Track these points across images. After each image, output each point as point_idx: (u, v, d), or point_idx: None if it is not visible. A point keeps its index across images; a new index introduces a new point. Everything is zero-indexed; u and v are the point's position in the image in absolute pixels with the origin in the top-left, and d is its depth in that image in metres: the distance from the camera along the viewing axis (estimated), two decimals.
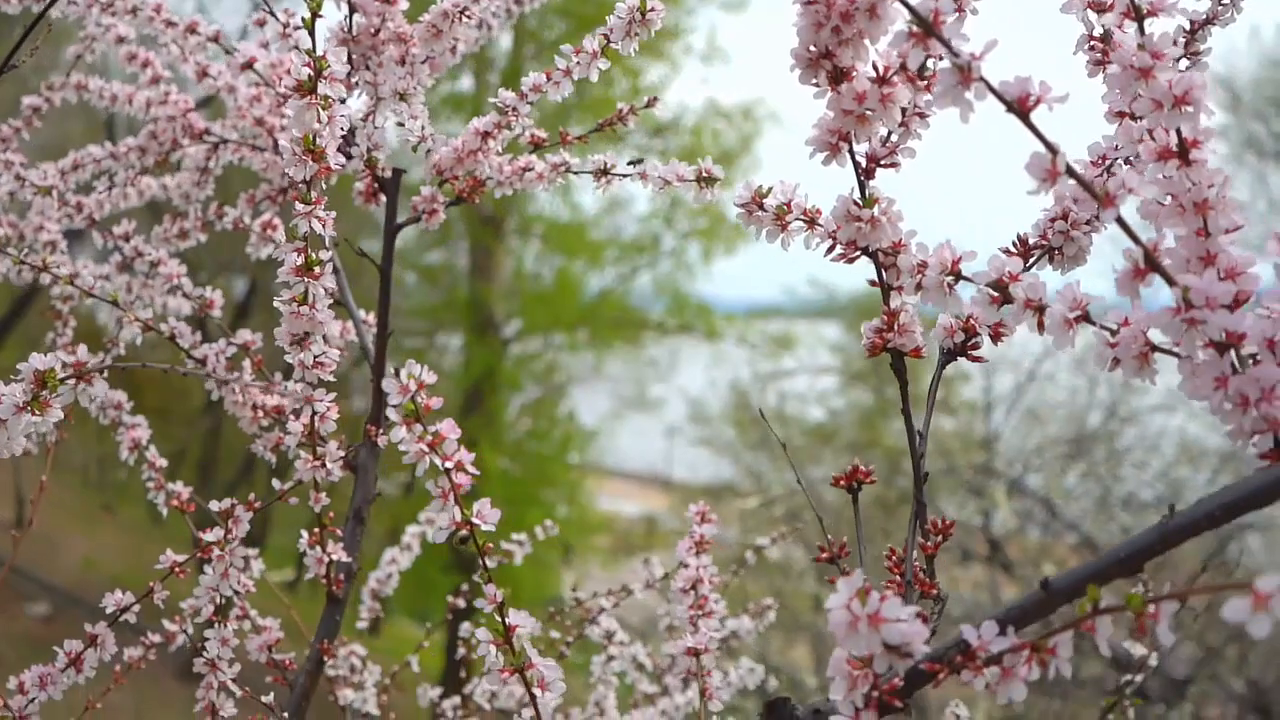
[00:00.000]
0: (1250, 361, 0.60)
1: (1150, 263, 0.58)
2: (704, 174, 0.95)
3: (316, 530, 1.06)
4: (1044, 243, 0.77)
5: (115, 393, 1.22)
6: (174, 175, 1.45)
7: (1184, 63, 0.80)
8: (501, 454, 11.30)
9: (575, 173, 1.08)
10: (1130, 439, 7.39)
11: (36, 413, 0.74)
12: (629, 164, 1.05)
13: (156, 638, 1.25)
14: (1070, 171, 0.57)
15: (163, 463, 1.20)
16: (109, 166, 1.33)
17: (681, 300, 11.95)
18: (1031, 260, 0.78)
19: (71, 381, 0.75)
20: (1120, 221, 0.58)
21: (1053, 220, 0.77)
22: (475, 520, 0.71)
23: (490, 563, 0.75)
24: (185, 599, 1.10)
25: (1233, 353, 0.60)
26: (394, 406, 0.69)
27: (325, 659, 1.10)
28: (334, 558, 1.08)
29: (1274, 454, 0.57)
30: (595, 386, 12.67)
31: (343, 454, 1.01)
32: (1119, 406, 7.32)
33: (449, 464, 0.70)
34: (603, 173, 1.06)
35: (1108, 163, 0.78)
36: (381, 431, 1.10)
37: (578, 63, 1.00)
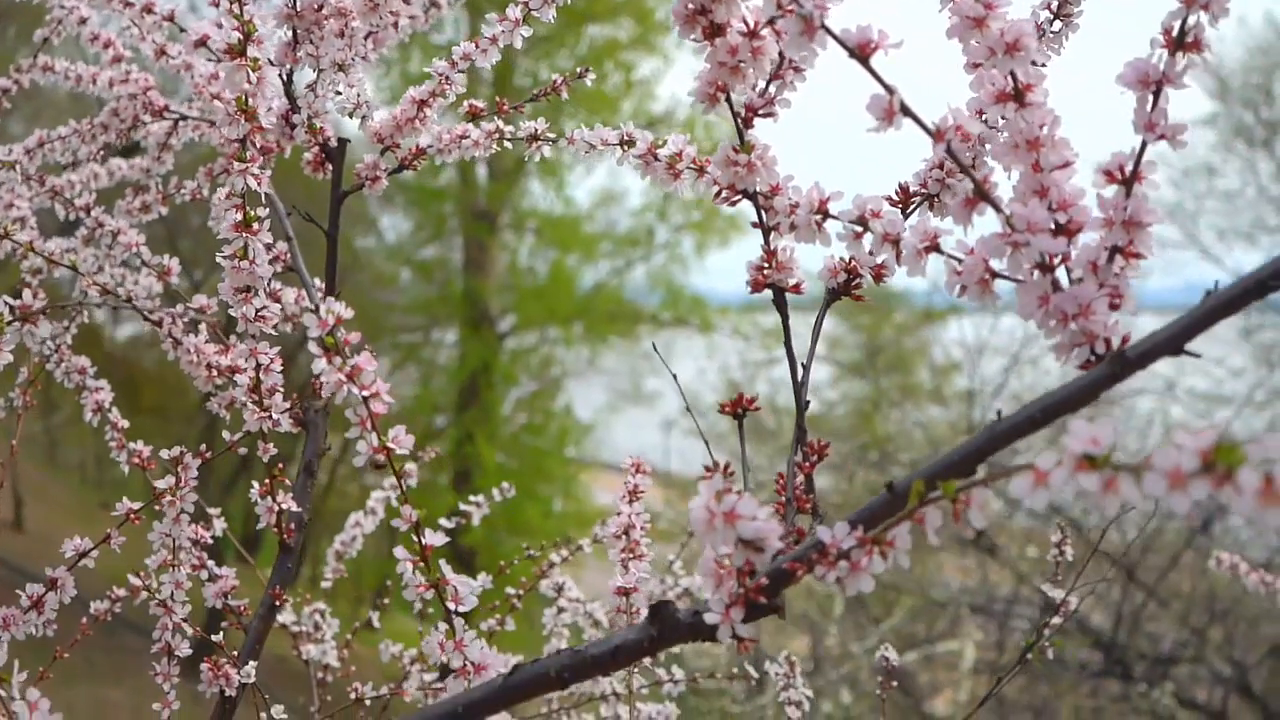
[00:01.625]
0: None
1: (980, 193, 0.64)
2: (626, 138, 1.01)
3: (267, 481, 1.12)
4: (923, 190, 0.83)
5: (79, 358, 1.28)
6: (143, 156, 1.52)
7: (1057, 24, 0.86)
8: (498, 448, 11.36)
9: (509, 139, 1.14)
10: (1117, 421, 7.44)
11: None
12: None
13: (121, 591, 1.31)
14: (905, 110, 0.63)
15: (125, 424, 1.26)
16: (74, 145, 1.39)
17: (676, 293, 12.01)
18: (912, 206, 0.84)
19: (17, 324, 0.82)
20: (952, 155, 0.63)
21: (931, 169, 0.83)
22: (391, 445, 0.77)
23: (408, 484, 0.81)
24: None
25: (1063, 274, 0.66)
26: (314, 339, 0.75)
27: (277, 604, 1.16)
28: (284, 507, 1.14)
29: (1090, 364, 0.63)
30: (591, 380, 12.73)
31: (289, 406, 1.07)
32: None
33: (367, 393, 0.76)
34: (533, 138, 1.12)
35: (983, 115, 0.83)
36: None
37: (503, 30, 1.06)
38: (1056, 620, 1.25)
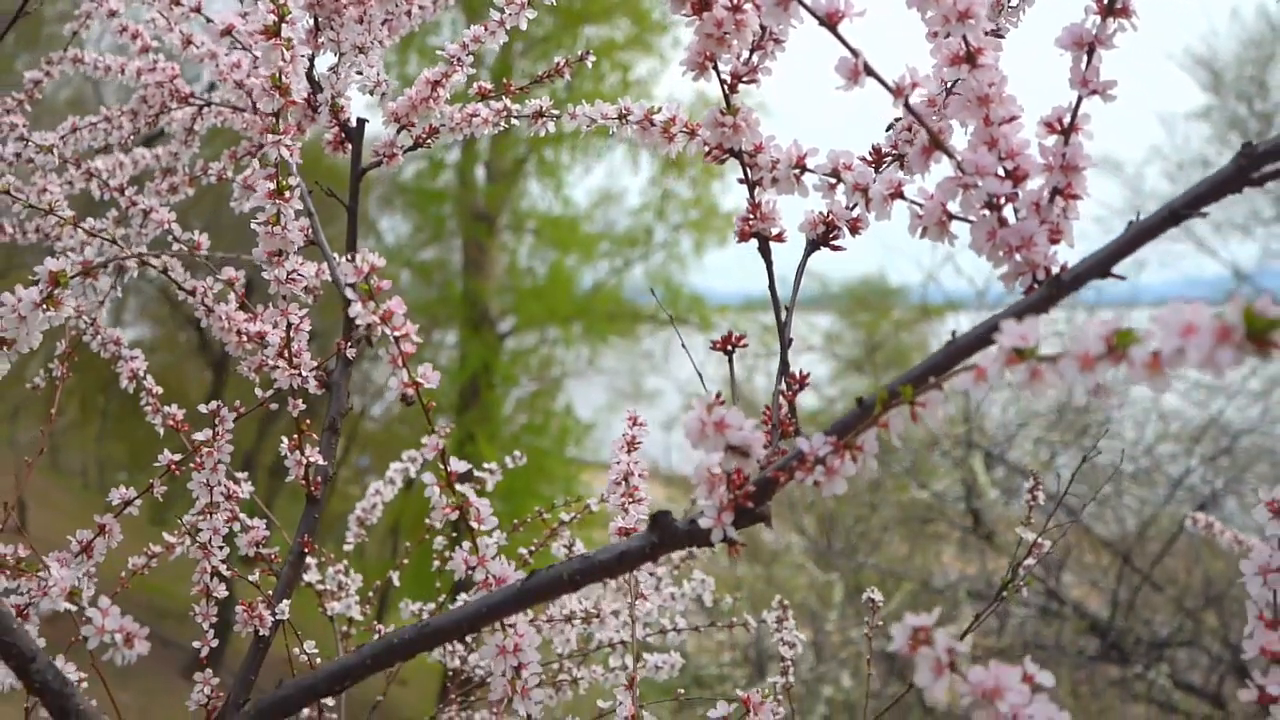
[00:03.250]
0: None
1: (935, 142, 0.73)
2: (624, 112, 1.10)
3: (295, 436, 1.21)
4: (894, 150, 0.92)
5: (113, 330, 1.37)
6: (166, 144, 1.61)
7: None
8: (499, 449, 11.45)
9: (516, 117, 1.23)
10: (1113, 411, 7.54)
11: (50, 308, 0.89)
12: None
13: (158, 548, 1.40)
14: (869, 71, 0.72)
15: (159, 390, 1.34)
16: (104, 131, 1.48)
17: (675, 292, 12.10)
18: (884, 166, 0.92)
19: (79, 278, 0.90)
20: (909, 109, 0.72)
21: (900, 131, 0.92)
22: (421, 380, 0.86)
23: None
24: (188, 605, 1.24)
25: (1012, 213, 0.75)
26: (349, 286, 0.84)
27: (306, 551, 1.24)
28: (312, 461, 1.22)
29: (1031, 288, 0.72)
30: (591, 380, 12.81)
31: (316, 365, 1.16)
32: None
33: (398, 334, 0.85)
34: (539, 115, 1.21)
35: (946, 81, 0.92)
36: (351, 347, 1.25)
37: (510, 13, 1.15)
38: (1030, 562, 1.34)
